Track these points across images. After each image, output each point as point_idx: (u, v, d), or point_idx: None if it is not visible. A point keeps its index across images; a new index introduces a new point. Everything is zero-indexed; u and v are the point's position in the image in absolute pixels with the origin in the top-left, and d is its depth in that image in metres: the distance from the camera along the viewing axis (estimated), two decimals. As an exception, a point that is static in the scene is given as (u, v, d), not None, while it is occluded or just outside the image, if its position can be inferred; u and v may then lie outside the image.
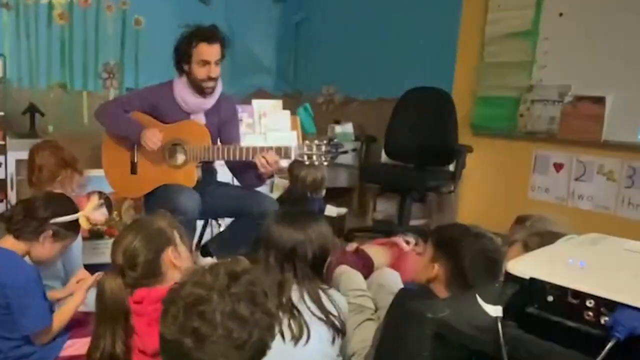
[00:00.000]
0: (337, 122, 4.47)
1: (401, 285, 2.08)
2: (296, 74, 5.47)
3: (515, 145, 3.55)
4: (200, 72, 2.52)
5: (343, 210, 3.66)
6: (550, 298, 0.79)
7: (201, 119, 2.65)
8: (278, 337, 1.49)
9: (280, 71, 5.55)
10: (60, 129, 4.48)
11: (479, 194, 3.74)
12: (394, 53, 4.39)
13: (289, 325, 1.55)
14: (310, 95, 5.11)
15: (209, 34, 2.52)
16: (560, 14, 3.29)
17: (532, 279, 0.81)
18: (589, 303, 0.75)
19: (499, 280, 1.61)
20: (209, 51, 2.50)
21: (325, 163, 2.45)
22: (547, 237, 1.52)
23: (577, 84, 3.21)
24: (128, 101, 2.65)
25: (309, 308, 1.60)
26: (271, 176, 2.72)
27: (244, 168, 2.60)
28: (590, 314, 0.75)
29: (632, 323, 0.69)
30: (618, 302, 0.72)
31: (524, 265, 0.84)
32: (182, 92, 2.59)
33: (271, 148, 2.46)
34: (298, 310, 1.58)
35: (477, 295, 0.87)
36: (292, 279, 1.62)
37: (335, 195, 3.77)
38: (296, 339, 1.55)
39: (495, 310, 0.82)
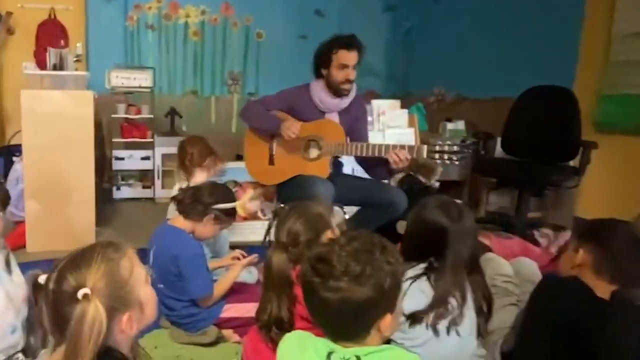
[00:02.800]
0: (449, 120, 4.31)
1: (539, 274, 1.95)
2: (406, 76, 5.39)
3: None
4: (339, 75, 2.55)
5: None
6: None
7: (335, 117, 2.67)
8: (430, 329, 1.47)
9: (390, 74, 5.47)
10: (192, 128, 4.70)
11: (599, 191, 3.42)
12: (508, 54, 4.14)
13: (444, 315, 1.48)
14: (421, 95, 5.00)
15: (348, 41, 2.55)
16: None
17: None
18: None
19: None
20: (348, 56, 2.53)
21: (457, 162, 2.36)
22: None
23: None
24: (270, 102, 2.70)
25: (462, 298, 1.51)
26: (400, 171, 2.69)
27: (375, 163, 2.58)
28: None
29: None
30: None
31: None
32: (320, 94, 2.62)
33: (404, 147, 2.42)
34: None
35: None
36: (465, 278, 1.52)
37: (447, 188, 3.68)
38: (448, 329, 1.48)
39: None
